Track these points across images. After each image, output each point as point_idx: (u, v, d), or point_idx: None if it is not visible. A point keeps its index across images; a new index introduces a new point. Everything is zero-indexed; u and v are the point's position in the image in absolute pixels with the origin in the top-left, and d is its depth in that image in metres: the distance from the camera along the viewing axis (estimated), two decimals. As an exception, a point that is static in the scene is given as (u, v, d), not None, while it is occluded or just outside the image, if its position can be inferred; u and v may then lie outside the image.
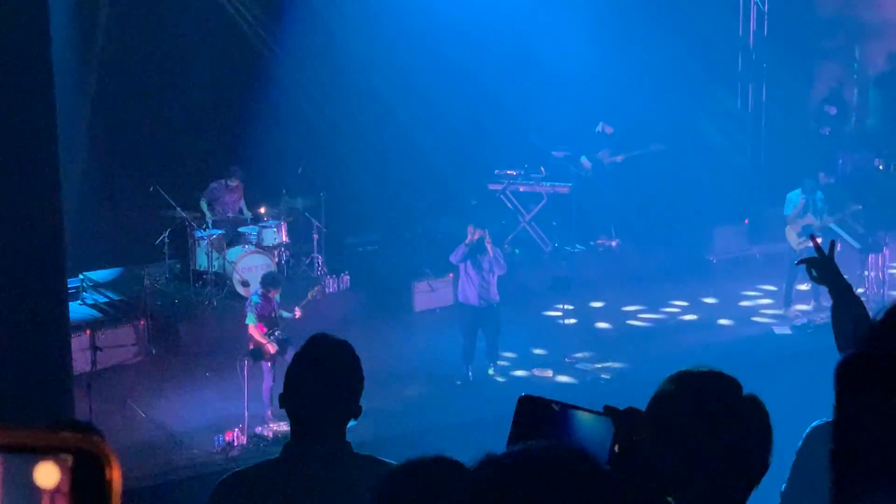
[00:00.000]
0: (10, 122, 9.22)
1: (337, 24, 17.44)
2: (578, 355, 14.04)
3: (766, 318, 15.58)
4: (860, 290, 14.63)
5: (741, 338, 14.77)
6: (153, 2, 16.24)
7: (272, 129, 17.33)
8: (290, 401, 3.65)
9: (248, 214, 15.93)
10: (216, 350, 13.63)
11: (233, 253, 15.11)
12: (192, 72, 16.13)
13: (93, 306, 15.01)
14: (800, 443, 4.18)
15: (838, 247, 4.82)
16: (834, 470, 1.89)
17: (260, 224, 15.59)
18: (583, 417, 2.55)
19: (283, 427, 11.52)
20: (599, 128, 17.33)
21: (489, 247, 13.38)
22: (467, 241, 13.43)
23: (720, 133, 19.30)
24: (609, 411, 2.52)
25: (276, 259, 15.31)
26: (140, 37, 16.08)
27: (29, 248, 9.44)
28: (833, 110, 19.71)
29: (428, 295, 16.03)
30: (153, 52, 16.14)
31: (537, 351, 14.46)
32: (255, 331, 12.32)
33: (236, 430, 11.81)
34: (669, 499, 2.60)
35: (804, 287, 15.47)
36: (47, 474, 1.16)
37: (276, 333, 12.36)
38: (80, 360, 11.84)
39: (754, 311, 15.91)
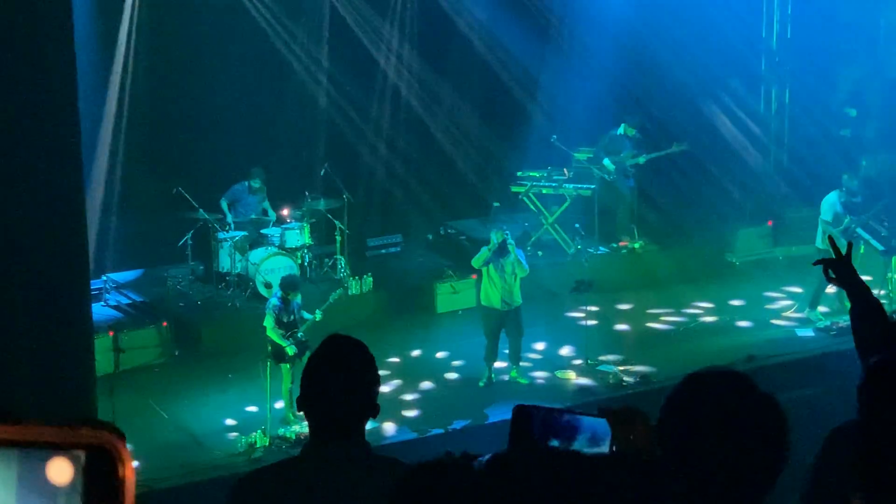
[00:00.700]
0: (34, 125, 9.26)
1: (360, 26, 17.49)
2: (601, 358, 13.99)
3: (789, 322, 15.46)
4: (882, 293, 14.53)
5: (764, 339, 14.68)
6: (177, 4, 16.28)
7: (295, 130, 17.36)
8: (306, 402, 3.66)
9: (272, 216, 15.94)
10: (239, 352, 13.63)
11: (255, 255, 15.11)
12: (215, 73, 16.15)
13: (116, 308, 15.02)
14: (820, 446, 4.15)
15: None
16: (861, 474, 1.88)
17: (283, 226, 15.58)
18: (581, 421, 2.55)
19: (306, 429, 11.50)
20: (622, 129, 17.27)
21: (511, 249, 13.35)
22: (489, 247, 13.40)
23: (743, 134, 19.21)
24: (604, 413, 2.51)
25: (299, 261, 15.31)
26: (164, 39, 16.12)
27: (52, 250, 9.48)
28: (854, 112, 19.58)
29: (451, 297, 16.01)
30: (177, 54, 16.17)
31: (560, 353, 14.42)
32: (273, 333, 12.33)
33: (258, 431, 11.83)
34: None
35: (831, 290, 15.33)
36: (60, 470, 1.16)
37: (297, 335, 12.36)
38: (103, 362, 11.88)
39: (777, 313, 15.80)
